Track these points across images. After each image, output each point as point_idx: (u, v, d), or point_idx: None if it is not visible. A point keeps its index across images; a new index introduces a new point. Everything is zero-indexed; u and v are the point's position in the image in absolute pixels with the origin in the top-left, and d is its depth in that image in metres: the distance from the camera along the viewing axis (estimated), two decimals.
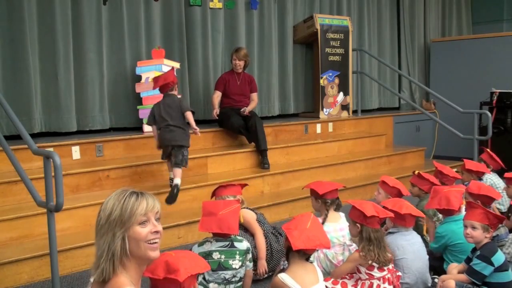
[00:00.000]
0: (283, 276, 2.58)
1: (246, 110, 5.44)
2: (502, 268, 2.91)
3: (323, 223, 3.36)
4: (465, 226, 3.04)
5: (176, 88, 4.54)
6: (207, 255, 2.85)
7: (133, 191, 1.86)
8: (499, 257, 2.92)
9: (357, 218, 2.96)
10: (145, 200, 1.84)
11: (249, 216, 3.48)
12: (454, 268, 3.14)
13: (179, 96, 4.66)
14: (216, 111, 5.50)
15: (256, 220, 3.52)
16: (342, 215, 3.46)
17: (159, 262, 2.09)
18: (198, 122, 5.97)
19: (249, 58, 5.73)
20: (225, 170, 5.19)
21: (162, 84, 4.42)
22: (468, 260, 3.11)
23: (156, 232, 1.84)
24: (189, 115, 4.38)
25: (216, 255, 2.87)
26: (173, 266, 2.09)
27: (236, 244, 2.94)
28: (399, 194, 3.68)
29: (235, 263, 2.89)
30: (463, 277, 2.97)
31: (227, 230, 2.88)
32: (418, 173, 3.98)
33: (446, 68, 8.47)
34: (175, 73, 4.85)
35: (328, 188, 3.42)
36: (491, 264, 2.88)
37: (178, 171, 4.29)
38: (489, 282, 2.91)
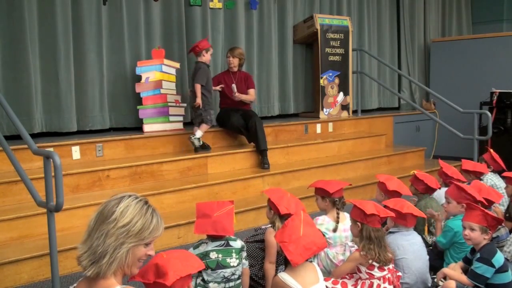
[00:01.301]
0: (283, 276, 2.58)
1: (237, 94, 5.38)
2: (502, 269, 2.92)
3: (337, 223, 3.37)
4: (464, 228, 3.04)
5: (204, 54, 5.09)
6: (204, 256, 2.86)
7: (153, 209, 1.86)
8: (499, 258, 2.92)
9: (357, 217, 2.97)
10: (162, 226, 1.88)
11: (273, 241, 3.09)
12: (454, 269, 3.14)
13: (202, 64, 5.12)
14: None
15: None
16: (347, 215, 3.46)
17: (149, 265, 2.09)
18: None
19: (244, 57, 5.69)
20: (225, 170, 5.18)
21: (191, 48, 5.17)
22: (467, 260, 3.11)
23: (150, 255, 1.89)
24: (196, 88, 4.99)
25: (213, 255, 2.88)
26: (162, 270, 2.09)
27: (231, 243, 2.96)
28: (387, 190, 3.68)
29: (233, 261, 2.91)
30: (465, 279, 2.96)
31: (222, 232, 2.88)
32: (414, 173, 3.98)
33: (446, 68, 8.47)
34: (207, 41, 5.30)
35: (337, 187, 3.43)
36: (492, 266, 2.88)
37: (198, 128, 5.10)
38: (490, 284, 2.91)
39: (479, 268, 2.90)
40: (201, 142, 5.11)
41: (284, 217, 3.19)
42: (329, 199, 3.44)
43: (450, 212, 3.63)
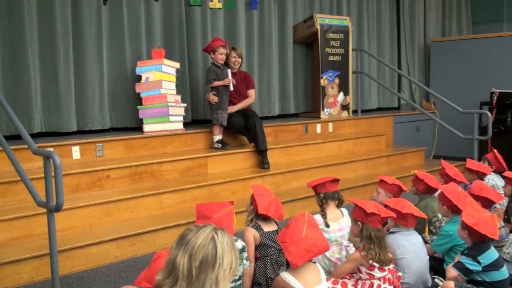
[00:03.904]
0: (286, 276, 2.56)
1: (229, 108, 5.38)
2: (492, 267, 2.90)
3: (325, 223, 3.32)
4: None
5: (211, 55, 5.27)
6: None
7: (228, 236, 1.82)
8: (488, 256, 2.90)
9: (358, 216, 2.96)
10: None
11: (249, 238, 3.16)
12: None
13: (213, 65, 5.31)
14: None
15: (260, 243, 3.16)
16: (345, 213, 3.44)
17: (154, 270, 2.06)
18: (198, 122, 6.01)
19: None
20: (225, 170, 5.18)
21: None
22: None
23: None
24: (211, 85, 5.24)
25: None
26: None
27: None
28: (400, 191, 3.67)
29: None
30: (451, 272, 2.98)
31: None
32: (415, 173, 3.98)
33: (446, 68, 8.47)
34: (218, 41, 5.33)
35: (319, 181, 3.41)
36: (477, 262, 2.88)
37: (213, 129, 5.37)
38: (485, 281, 2.90)
39: (463, 259, 2.92)
40: (220, 145, 5.33)
41: (260, 216, 3.20)
42: (323, 194, 3.42)
43: (442, 214, 3.62)
